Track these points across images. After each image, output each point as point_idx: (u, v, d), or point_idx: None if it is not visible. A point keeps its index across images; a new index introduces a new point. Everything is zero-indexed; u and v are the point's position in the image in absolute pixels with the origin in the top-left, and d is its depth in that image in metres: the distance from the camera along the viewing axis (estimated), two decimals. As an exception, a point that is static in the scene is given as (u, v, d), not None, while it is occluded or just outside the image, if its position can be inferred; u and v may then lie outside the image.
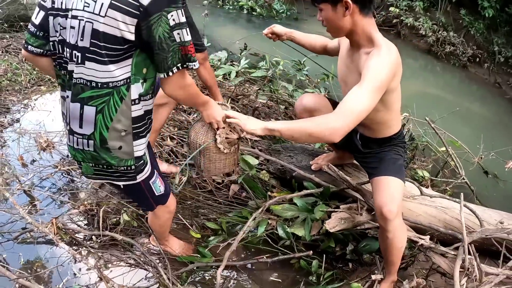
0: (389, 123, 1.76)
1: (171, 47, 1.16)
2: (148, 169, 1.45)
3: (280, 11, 6.78)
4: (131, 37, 1.14)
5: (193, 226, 2.12)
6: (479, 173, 3.07)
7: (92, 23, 1.13)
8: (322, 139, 1.49)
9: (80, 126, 1.27)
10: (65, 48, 1.24)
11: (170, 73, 1.20)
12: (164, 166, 2.28)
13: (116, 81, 1.21)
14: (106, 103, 1.23)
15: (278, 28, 2.00)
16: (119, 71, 1.20)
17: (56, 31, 1.25)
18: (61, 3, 1.20)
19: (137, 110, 1.29)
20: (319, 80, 3.40)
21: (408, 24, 6.05)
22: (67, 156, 2.58)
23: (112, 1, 1.11)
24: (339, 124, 1.37)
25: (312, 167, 2.15)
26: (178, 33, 1.16)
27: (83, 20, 1.15)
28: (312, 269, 1.87)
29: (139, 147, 1.36)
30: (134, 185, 1.44)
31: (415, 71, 5.72)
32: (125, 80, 1.22)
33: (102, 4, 1.12)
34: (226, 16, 6.69)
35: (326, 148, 2.56)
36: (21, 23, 4.87)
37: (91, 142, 1.29)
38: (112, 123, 1.26)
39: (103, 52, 1.16)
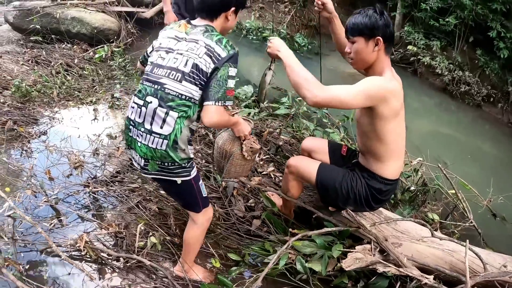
0: (381, 158, 1.95)
1: (222, 87, 1.68)
2: (195, 170, 1.87)
3: (302, 44, 6.97)
4: (209, 74, 1.69)
5: (216, 255, 2.26)
6: (487, 215, 3.15)
7: (194, 59, 1.69)
8: (300, 93, 1.75)
9: (161, 127, 1.71)
10: (159, 68, 1.75)
11: (216, 103, 1.68)
12: None
13: (196, 99, 1.72)
14: (186, 112, 1.71)
15: (329, 3, 2.07)
16: (198, 93, 1.71)
17: (154, 58, 1.79)
18: (167, 44, 1.77)
19: (194, 125, 1.80)
20: (339, 121, 3.61)
21: (425, 63, 6.19)
22: (94, 176, 2.75)
23: (207, 51, 1.68)
24: (318, 93, 1.68)
25: (330, 208, 2.35)
26: (231, 81, 1.71)
27: (186, 56, 1.70)
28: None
29: (192, 151, 1.82)
30: (188, 182, 1.83)
31: (429, 109, 5.83)
32: (198, 100, 1.72)
33: (201, 51, 1.69)
34: (250, 46, 6.87)
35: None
36: (53, 36, 5.08)
37: (165, 141, 1.71)
38: (184, 128, 1.73)
39: (196, 77, 1.68)
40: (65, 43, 5.13)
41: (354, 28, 1.82)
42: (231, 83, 1.70)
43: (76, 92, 4.04)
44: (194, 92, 1.69)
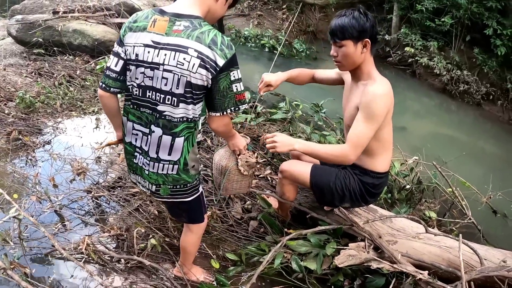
0: (372, 154, 1.98)
1: (228, 95, 1.54)
2: (200, 183, 1.83)
3: (300, 50, 7.02)
4: (208, 85, 1.51)
5: (214, 256, 2.30)
6: (488, 213, 3.15)
7: (186, 77, 1.47)
8: (340, 163, 1.94)
9: (169, 154, 1.61)
10: (151, 92, 1.54)
11: (224, 113, 1.58)
12: None
13: (197, 115, 1.59)
14: (191, 133, 1.62)
15: (274, 82, 2.14)
16: (199, 110, 1.58)
17: (137, 78, 1.56)
18: (147, 57, 1.50)
19: (199, 138, 1.75)
20: (335, 123, 3.64)
21: (423, 64, 6.19)
22: (97, 182, 2.83)
23: (201, 62, 1.45)
24: (350, 155, 1.85)
25: (325, 208, 2.38)
26: (236, 86, 1.55)
27: (177, 74, 1.47)
28: (323, 301, 2.04)
29: (199, 163, 1.77)
30: (198, 198, 1.80)
31: (430, 110, 5.85)
32: (199, 115, 1.61)
33: (193, 64, 1.45)
34: (248, 54, 6.92)
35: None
36: (55, 48, 5.22)
37: (176, 166, 1.63)
38: (192, 148, 1.65)
39: (193, 96, 1.52)
40: (67, 55, 5.25)
41: (342, 32, 1.80)
42: (238, 87, 1.56)
43: (79, 103, 4.14)
44: (194, 110, 1.56)
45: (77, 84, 4.59)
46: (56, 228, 2.40)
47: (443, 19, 6.14)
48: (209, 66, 1.45)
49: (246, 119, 3.52)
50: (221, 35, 1.48)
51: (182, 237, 2.00)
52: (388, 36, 6.98)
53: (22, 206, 2.30)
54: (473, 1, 5.95)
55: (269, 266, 2.05)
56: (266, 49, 7.10)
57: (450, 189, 2.93)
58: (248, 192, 2.49)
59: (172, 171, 1.64)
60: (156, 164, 1.63)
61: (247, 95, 4.07)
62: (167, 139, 1.58)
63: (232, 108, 1.58)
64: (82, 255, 2.15)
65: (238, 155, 2.03)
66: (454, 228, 2.71)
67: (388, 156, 2.05)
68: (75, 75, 4.77)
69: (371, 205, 2.46)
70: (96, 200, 2.69)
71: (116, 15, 5.92)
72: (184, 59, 1.45)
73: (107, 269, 2.15)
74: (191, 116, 1.56)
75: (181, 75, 1.47)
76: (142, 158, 1.66)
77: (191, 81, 1.47)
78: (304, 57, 6.93)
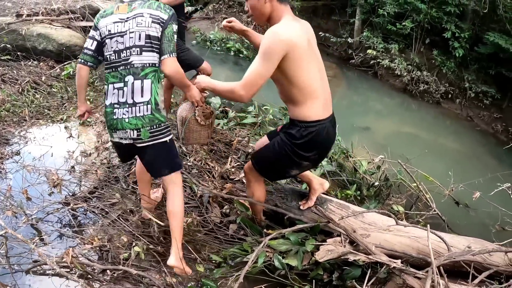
0: (298, 102, 1.97)
1: (171, 42, 2.04)
2: None
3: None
4: (159, 35, 2.03)
5: (198, 259, 2.33)
6: (451, 204, 3.39)
7: (145, 31, 2.02)
8: (234, 101, 2.15)
9: (141, 96, 2.03)
10: (123, 52, 2.04)
11: (171, 55, 2.02)
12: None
13: (157, 62, 2.06)
14: (155, 76, 2.06)
15: (236, 23, 2.25)
16: (157, 57, 2.05)
17: (112, 47, 2.06)
18: (117, 29, 2.05)
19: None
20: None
21: (385, 65, 6.46)
22: (73, 193, 2.77)
23: (153, 19, 2.02)
24: (241, 93, 1.89)
25: (301, 207, 2.48)
26: (174, 36, 2.07)
27: (138, 32, 2.02)
28: (305, 296, 2.12)
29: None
30: (172, 140, 2.16)
31: (391, 109, 6.09)
32: (159, 62, 2.06)
33: (148, 21, 2.02)
34: (215, 58, 6.82)
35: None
36: (18, 53, 4.97)
37: (149, 106, 2.04)
38: (158, 90, 2.07)
39: (152, 45, 2.03)
40: (31, 60, 5.07)
41: None
42: (176, 37, 2.08)
43: (46, 110, 4.02)
44: (155, 58, 2.05)
45: (43, 91, 4.45)
46: (34, 243, 2.28)
47: (404, 23, 6.47)
48: (158, 21, 2.03)
49: (218, 124, 3.58)
50: (163, 3, 2.09)
51: (169, 202, 2.19)
52: (350, 39, 7.24)
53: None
54: (433, 6, 6.31)
55: (253, 266, 2.12)
56: (232, 53, 7.02)
57: (415, 184, 3.12)
58: (208, 143, 2.88)
59: (147, 111, 2.04)
60: (134, 108, 2.03)
61: (216, 100, 4.15)
62: (138, 83, 2.03)
63: (174, 53, 2.04)
64: (66, 269, 2.11)
65: (196, 106, 2.35)
66: (420, 219, 2.90)
67: (313, 105, 1.97)
68: (40, 81, 4.62)
69: (343, 202, 2.59)
70: (74, 212, 2.63)
71: (81, 18, 5.79)
72: (142, 20, 2.03)
73: (93, 283, 2.13)
74: (153, 62, 2.05)
75: (141, 31, 2.02)
76: (121, 110, 2.04)
77: (149, 33, 2.02)
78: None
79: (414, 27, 6.49)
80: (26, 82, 4.45)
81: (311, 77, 1.93)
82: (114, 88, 2.07)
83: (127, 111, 2.03)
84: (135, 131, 2.05)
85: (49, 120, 3.87)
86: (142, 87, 2.03)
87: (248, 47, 6.95)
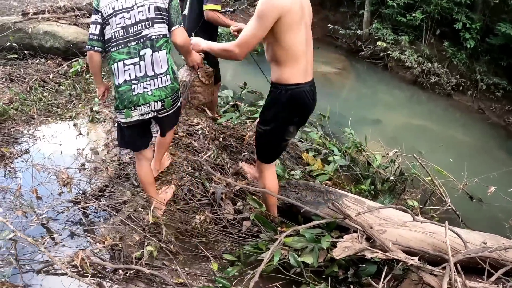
0: (280, 62, 2.05)
1: (179, 12, 2.16)
2: None
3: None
4: (167, 7, 2.13)
5: (211, 258, 2.32)
6: (465, 198, 3.34)
7: (153, 4, 2.09)
8: (229, 59, 2.15)
9: (161, 67, 2.12)
10: (132, 27, 2.07)
11: (180, 25, 2.15)
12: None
13: (167, 33, 2.15)
14: (167, 46, 2.15)
15: (242, 26, 2.40)
16: (167, 28, 2.14)
17: (118, 23, 2.07)
18: (122, 6, 2.07)
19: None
20: (315, 118, 3.72)
21: (395, 57, 6.39)
22: (83, 192, 2.75)
23: None
24: (236, 51, 2.00)
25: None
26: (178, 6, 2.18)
27: (146, 5, 2.09)
28: (321, 292, 2.10)
29: None
30: (181, 102, 2.36)
31: (402, 102, 6.03)
32: (169, 33, 2.16)
33: None
34: None
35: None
36: (25, 52, 4.96)
37: (168, 76, 2.14)
38: (171, 59, 2.17)
39: (162, 16, 2.11)
40: (39, 58, 5.05)
41: None
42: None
43: (55, 108, 3.99)
44: (165, 28, 2.13)
45: (51, 88, 4.43)
46: (44, 242, 2.27)
47: (414, 14, 6.36)
48: None
49: (231, 118, 3.54)
50: None
51: (161, 138, 2.52)
52: (360, 31, 7.15)
53: (6, 221, 2.21)
54: (443, -4, 6.19)
55: (268, 264, 2.10)
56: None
57: (429, 178, 3.07)
58: (214, 100, 3.22)
59: (168, 81, 2.14)
60: (156, 80, 2.11)
61: (228, 93, 4.12)
62: (156, 55, 2.10)
63: (183, 24, 2.18)
64: (77, 269, 2.09)
65: (197, 69, 2.50)
66: (434, 214, 2.87)
67: (293, 69, 2.07)
68: (48, 79, 4.60)
69: (358, 197, 2.56)
70: (84, 210, 2.61)
71: (88, 15, 5.76)
72: None
73: (105, 281, 2.12)
74: (164, 33, 2.13)
75: (149, 4, 2.09)
76: (141, 84, 2.09)
77: (158, 5, 2.09)
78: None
79: (424, 18, 6.39)
80: (34, 80, 4.43)
81: (297, 41, 2.03)
82: (125, 65, 2.08)
83: (149, 84, 2.09)
84: (159, 102, 2.14)
85: (57, 118, 3.83)
86: (160, 59, 2.10)
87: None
